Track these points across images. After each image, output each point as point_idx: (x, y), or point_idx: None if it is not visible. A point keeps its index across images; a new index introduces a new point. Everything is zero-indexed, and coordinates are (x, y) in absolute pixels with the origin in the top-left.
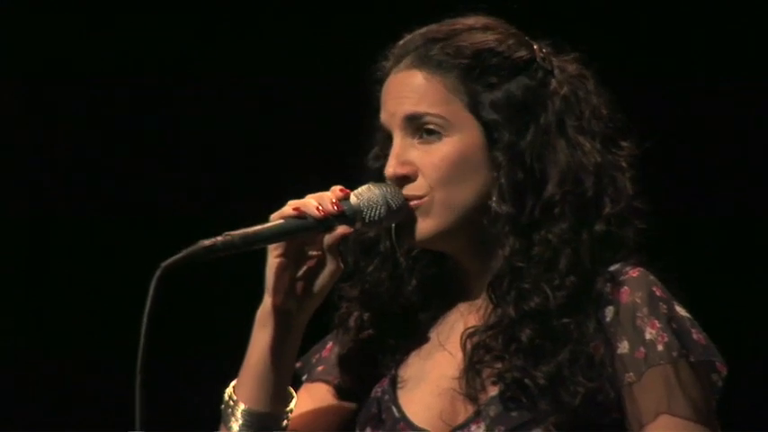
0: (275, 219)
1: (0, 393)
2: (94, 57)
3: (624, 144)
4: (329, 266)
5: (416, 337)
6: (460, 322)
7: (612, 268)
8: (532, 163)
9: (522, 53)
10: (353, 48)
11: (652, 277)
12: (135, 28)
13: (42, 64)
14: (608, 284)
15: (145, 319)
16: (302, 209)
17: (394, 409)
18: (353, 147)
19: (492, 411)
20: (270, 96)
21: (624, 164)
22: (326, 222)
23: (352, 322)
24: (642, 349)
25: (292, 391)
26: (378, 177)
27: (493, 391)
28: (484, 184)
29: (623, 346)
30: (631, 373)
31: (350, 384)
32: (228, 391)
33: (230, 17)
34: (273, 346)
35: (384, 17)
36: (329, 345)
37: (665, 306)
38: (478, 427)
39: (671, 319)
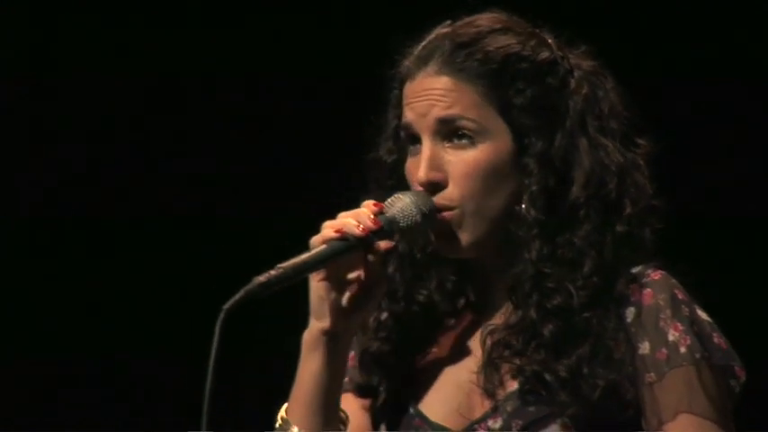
0: (317, 243)
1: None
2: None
3: (641, 142)
4: (373, 283)
5: (435, 336)
6: (480, 321)
7: (635, 270)
8: (561, 167)
9: (545, 54)
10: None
11: (674, 280)
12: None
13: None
14: (630, 286)
15: (211, 364)
16: (344, 230)
17: (410, 406)
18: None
19: (509, 406)
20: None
21: (642, 162)
22: (368, 240)
23: (370, 322)
24: (664, 350)
25: (345, 412)
26: (391, 172)
27: (511, 386)
28: (513, 191)
29: (644, 347)
30: (652, 374)
31: (370, 383)
32: (281, 414)
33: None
34: (324, 368)
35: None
36: (352, 354)
37: (687, 309)
38: (495, 421)
39: (693, 322)
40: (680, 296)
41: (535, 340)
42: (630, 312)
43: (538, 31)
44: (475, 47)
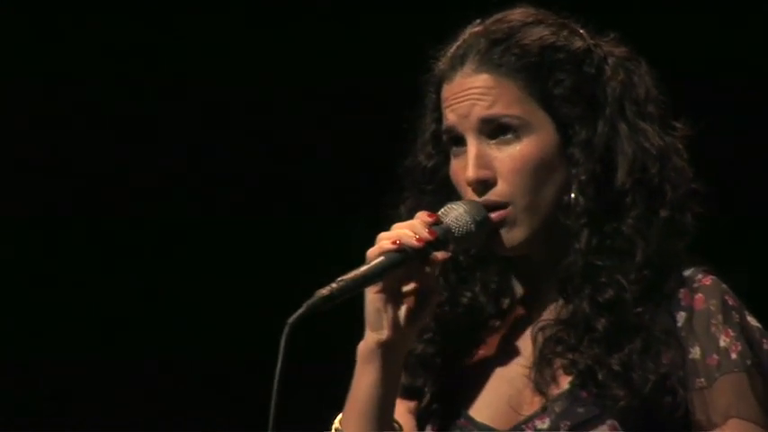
0: (374, 255)
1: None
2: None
3: (678, 125)
4: (429, 293)
5: (481, 336)
6: (529, 318)
7: (686, 273)
8: (605, 154)
9: (579, 43)
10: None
11: (724, 286)
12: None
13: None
14: (681, 289)
15: (277, 378)
16: (401, 241)
17: (455, 407)
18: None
19: (558, 407)
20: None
21: (680, 146)
22: (424, 251)
23: None
24: (715, 356)
25: (399, 423)
26: (431, 177)
27: (564, 381)
28: (561, 182)
29: (695, 352)
30: (702, 379)
31: (415, 385)
32: (335, 425)
33: None
34: (379, 380)
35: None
36: None
37: (737, 315)
38: (543, 422)
39: (743, 328)
40: (730, 302)
41: (588, 335)
42: (681, 316)
43: (567, 21)
44: (510, 41)
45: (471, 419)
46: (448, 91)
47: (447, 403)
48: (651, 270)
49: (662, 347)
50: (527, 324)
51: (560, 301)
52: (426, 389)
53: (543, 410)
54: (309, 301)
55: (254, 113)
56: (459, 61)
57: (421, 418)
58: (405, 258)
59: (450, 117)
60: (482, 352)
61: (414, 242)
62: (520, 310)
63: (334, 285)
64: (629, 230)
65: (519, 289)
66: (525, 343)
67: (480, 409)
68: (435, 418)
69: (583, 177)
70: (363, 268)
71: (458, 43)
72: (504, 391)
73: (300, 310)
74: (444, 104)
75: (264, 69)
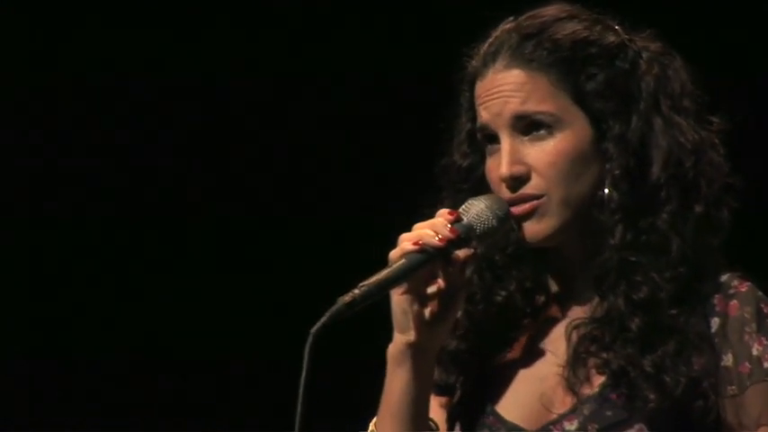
0: (396, 257)
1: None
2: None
3: (714, 120)
4: (455, 292)
5: (514, 334)
6: (563, 318)
7: (722, 279)
8: (639, 148)
9: (612, 38)
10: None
11: (760, 293)
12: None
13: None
14: (716, 295)
15: (302, 388)
16: (423, 241)
17: (484, 404)
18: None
19: (587, 409)
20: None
21: (716, 140)
22: (447, 250)
23: None
24: (747, 364)
25: (434, 422)
26: (466, 176)
27: (597, 381)
28: (596, 176)
29: (727, 359)
30: (734, 386)
31: (447, 382)
32: (371, 428)
33: None
34: (411, 381)
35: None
36: None
37: None
38: (571, 423)
39: None
40: (766, 310)
41: (622, 334)
42: (715, 323)
43: (602, 17)
44: (542, 36)
45: (501, 418)
46: (481, 88)
47: (477, 401)
48: (686, 267)
49: (695, 352)
50: (561, 322)
51: (595, 299)
52: (458, 386)
53: (572, 411)
54: (332, 309)
55: (273, 112)
56: (491, 58)
57: (451, 414)
58: (427, 259)
59: (484, 115)
60: (515, 350)
61: (435, 242)
62: (554, 308)
63: (356, 291)
64: (663, 226)
65: (554, 287)
66: (559, 341)
67: (510, 408)
68: (465, 415)
69: (617, 172)
70: (385, 272)
71: (490, 40)
72: (535, 390)
73: (323, 319)
74: (478, 102)
75: (276, 68)
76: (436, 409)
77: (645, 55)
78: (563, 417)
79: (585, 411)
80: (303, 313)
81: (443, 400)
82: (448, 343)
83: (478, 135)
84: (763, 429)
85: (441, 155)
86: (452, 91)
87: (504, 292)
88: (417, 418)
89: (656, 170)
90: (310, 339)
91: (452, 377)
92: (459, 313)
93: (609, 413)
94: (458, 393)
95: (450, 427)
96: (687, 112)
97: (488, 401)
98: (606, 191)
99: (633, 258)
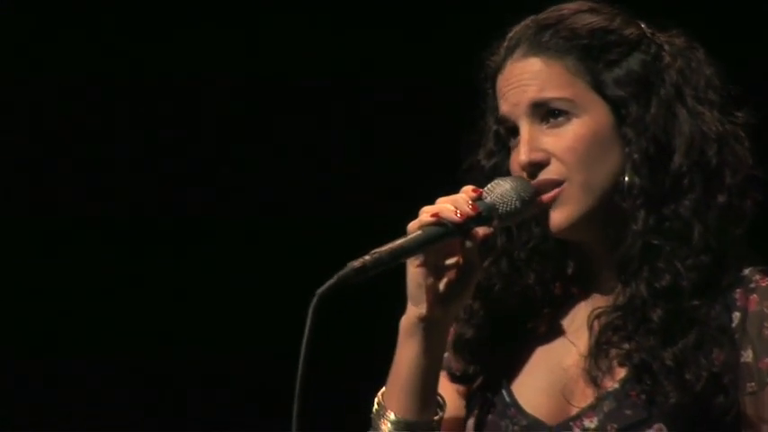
0: (414, 228)
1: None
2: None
3: (739, 114)
4: (471, 269)
5: (538, 327)
6: (584, 307)
7: (744, 272)
8: (660, 134)
9: (633, 30)
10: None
11: None
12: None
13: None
14: (738, 289)
15: (303, 349)
16: (441, 215)
17: (505, 395)
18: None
19: (606, 406)
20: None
21: (742, 133)
22: (465, 226)
23: (465, 311)
24: (767, 360)
25: (442, 397)
26: (491, 176)
27: (619, 373)
28: (616, 162)
29: (747, 355)
30: (754, 383)
31: (465, 371)
32: (378, 399)
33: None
34: (421, 354)
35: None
36: (451, 330)
37: None
38: (591, 421)
39: None
40: None
41: (644, 325)
42: (736, 317)
43: (624, 12)
44: (560, 25)
45: (521, 410)
46: (501, 81)
47: (497, 391)
48: (709, 256)
49: (715, 345)
50: (583, 312)
51: (618, 288)
52: (478, 375)
53: (592, 408)
54: (340, 273)
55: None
56: (510, 51)
57: (470, 403)
58: (444, 233)
59: (504, 107)
60: (537, 340)
61: (454, 216)
62: (576, 298)
63: (367, 257)
64: (686, 213)
65: (576, 277)
66: (581, 331)
67: (531, 400)
68: (486, 405)
69: (636, 156)
70: (399, 241)
71: (510, 35)
72: (557, 381)
73: (330, 281)
74: (499, 95)
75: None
76: (454, 395)
77: (668, 48)
78: (583, 413)
79: (605, 408)
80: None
81: (462, 389)
82: (464, 332)
83: (502, 130)
84: None
85: (465, 155)
86: (468, 91)
87: (523, 283)
88: (424, 392)
89: (678, 157)
90: (315, 300)
91: (472, 367)
92: (478, 304)
93: (628, 412)
94: (477, 383)
95: (470, 412)
96: (711, 104)
97: (509, 392)
98: (626, 176)
99: (656, 242)
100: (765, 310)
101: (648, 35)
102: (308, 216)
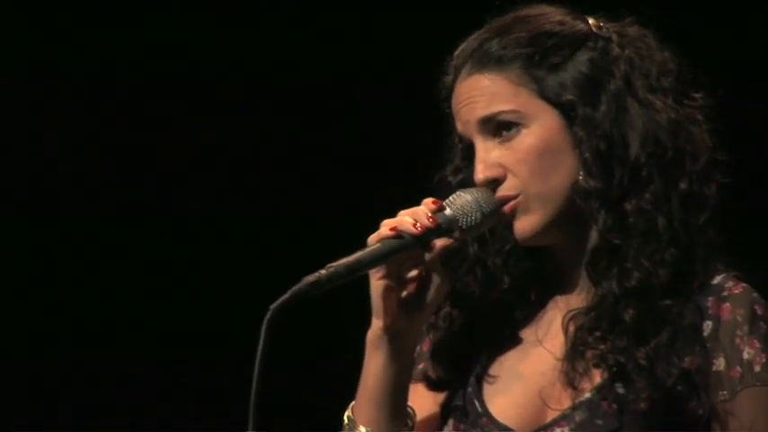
0: (373, 242)
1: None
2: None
3: (697, 96)
4: (434, 281)
5: (512, 333)
6: (560, 310)
7: (716, 281)
8: (611, 130)
9: (578, 27)
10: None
11: (755, 294)
12: None
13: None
14: (709, 298)
15: (257, 362)
16: (399, 228)
17: (477, 404)
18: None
19: (578, 416)
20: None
21: (700, 116)
22: (424, 238)
23: (442, 319)
24: (738, 368)
25: (412, 408)
26: (459, 188)
27: (596, 376)
28: (571, 165)
29: (719, 363)
30: (725, 392)
31: (445, 378)
32: (347, 413)
33: None
34: (388, 367)
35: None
36: (427, 340)
37: (765, 326)
38: (563, 430)
39: None
40: (759, 312)
41: (618, 325)
42: (708, 326)
43: (574, 11)
44: (502, 37)
45: (493, 419)
46: (453, 101)
47: (471, 401)
48: (677, 248)
49: (687, 345)
50: (559, 315)
51: (588, 288)
52: (456, 383)
53: (564, 418)
54: (295, 287)
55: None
56: (457, 70)
57: (445, 412)
58: (403, 245)
59: (459, 126)
60: (514, 346)
61: (412, 229)
62: (551, 303)
63: (322, 272)
64: (648, 206)
65: (550, 281)
66: (557, 335)
67: (505, 409)
68: (459, 413)
69: (587, 155)
70: (357, 255)
71: (456, 53)
72: (533, 387)
73: (285, 296)
74: (454, 114)
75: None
76: (430, 405)
77: (616, 39)
78: (555, 422)
79: (577, 418)
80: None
81: (439, 397)
82: (443, 340)
83: (464, 147)
84: None
85: (437, 169)
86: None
87: (499, 289)
88: (394, 404)
89: (633, 151)
90: (269, 314)
91: (447, 374)
92: (455, 313)
93: (600, 422)
94: (452, 391)
95: (444, 424)
96: (665, 92)
97: (483, 401)
98: (581, 178)
99: (617, 241)
100: (738, 318)
101: (595, 30)
102: (270, 219)
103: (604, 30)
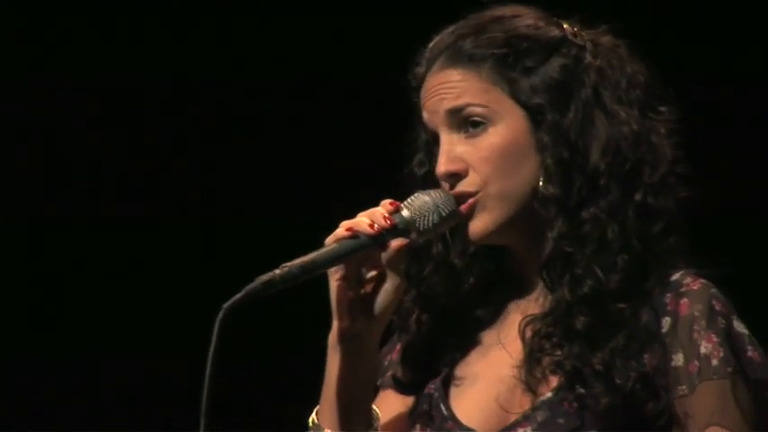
0: (330, 242)
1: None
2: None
3: (663, 109)
4: (391, 282)
5: (476, 335)
6: (519, 316)
7: (674, 277)
8: (576, 140)
9: (553, 33)
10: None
11: (713, 290)
12: None
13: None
14: (668, 294)
15: (209, 362)
16: (355, 228)
17: (442, 407)
18: (400, 156)
19: (540, 416)
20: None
21: (663, 130)
22: (380, 238)
23: (411, 324)
24: (696, 363)
25: (376, 410)
26: (423, 184)
27: (553, 380)
28: (533, 169)
29: (678, 359)
30: (684, 387)
31: (414, 381)
32: (312, 417)
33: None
34: (349, 369)
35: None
36: (398, 346)
37: (723, 321)
38: (525, 430)
39: (728, 334)
40: (717, 307)
41: (571, 331)
42: (666, 322)
43: (549, 15)
44: (478, 34)
45: (458, 422)
46: (423, 92)
47: (437, 404)
48: (629, 256)
49: (645, 347)
50: (518, 317)
51: (546, 293)
52: (420, 386)
53: (526, 418)
54: (249, 286)
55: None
56: (430, 62)
57: (412, 416)
58: (359, 246)
59: (425, 115)
60: (476, 350)
61: (368, 229)
62: (511, 306)
63: (276, 271)
64: (602, 215)
65: (510, 284)
66: (515, 339)
67: (470, 412)
68: (426, 418)
69: (549, 162)
70: (313, 254)
71: (430, 46)
72: (494, 391)
73: (238, 295)
74: (422, 105)
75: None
76: (398, 409)
77: (590, 48)
78: (517, 423)
79: (539, 418)
80: None
81: (406, 399)
82: (410, 343)
83: (430, 139)
84: (714, 429)
85: (404, 163)
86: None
87: (461, 290)
88: (357, 406)
89: (593, 160)
90: (221, 314)
91: (415, 378)
92: (424, 316)
93: (561, 420)
94: (419, 395)
95: (412, 429)
96: (632, 103)
97: (447, 405)
98: (541, 184)
99: (569, 249)
100: (696, 313)
101: (570, 37)
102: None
103: (578, 38)
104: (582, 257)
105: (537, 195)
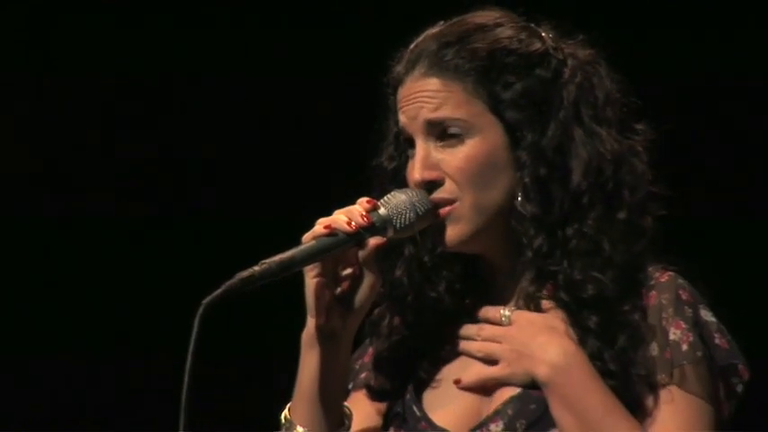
0: (307, 240)
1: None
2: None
3: (639, 128)
4: (367, 280)
5: (449, 338)
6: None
7: (647, 272)
8: (555, 158)
9: (535, 46)
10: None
11: (681, 280)
12: None
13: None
14: (642, 289)
15: (189, 357)
16: (333, 225)
17: (415, 409)
18: (370, 151)
19: (510, 409)
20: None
21: (641, 148)
22: (358, 236)
23: (383, 328)
24: (668, 350)
25: (349, 408)
26: (393, 178)
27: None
28: (509, 185)
29: (653, 348)
30: (663, 375)
31: (387, 387)
32: (284, 413)
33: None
34: (322, 366)
35: (395, 17)
36: (370, 350)
37: (689, 309)
38: (497, 425)
39: (696, 322)
40: (684, 296)
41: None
42: (640, 316)
43: (532, 25)
44: (461, 44)
45: (431, 423)
46: (401, 93)
47: (410, 406)
48: (618, 270)
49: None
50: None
51: (519, 298)
52: (393, 390)
53: (497, 413)
54: (228, 283)
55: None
56: (411, 65)
57: (386, 420)
58: (336, 243)
59: (402, 119)
60: (448, 352)
61: (345, 227)
62: (484, 309)
63: (255, 268)
64: (591, 231)
65: (482, 289)
66: None
67: (443, 413)
68: (399, 420)
69: (527, 180)
70: (290, 252)
71: (411, 47)
72: (463, 397)
73: (217, 291)
74: (398, 106)
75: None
76: (371, 413)
77: (570, 63)
78: (489, 419)
79: (510, 411)
80: None
81: (381, 406)
82: (382, 347)
83: (402, 138)
84: (673, 387)
85: (372, 156)
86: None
87: (434, 293)
88: (329, 403)
89: (576, 178)
90: (201, 310)
91: (387, 381)
92: (396, 319)
93: (533, 406)
94: (393, 397)
95: (386, 429)
96: (609, 122)
97: (420, 407)
98: (518, 201)
99: (554, 268)
100: (663, 301)
101: (551, 50)
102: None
103: (559, 51)
104: (572, 270)
105: (513, 212)
